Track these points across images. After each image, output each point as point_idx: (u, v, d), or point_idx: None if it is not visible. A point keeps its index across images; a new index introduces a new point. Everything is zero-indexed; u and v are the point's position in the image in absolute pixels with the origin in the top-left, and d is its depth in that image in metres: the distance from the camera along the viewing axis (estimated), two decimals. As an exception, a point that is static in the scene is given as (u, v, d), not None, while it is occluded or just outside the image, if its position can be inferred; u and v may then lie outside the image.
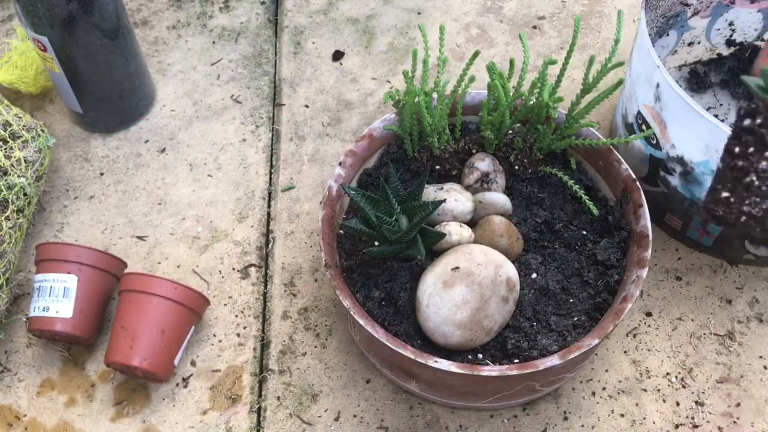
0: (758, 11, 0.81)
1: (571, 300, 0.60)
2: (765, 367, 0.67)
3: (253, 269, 0.74)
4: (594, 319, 0.59)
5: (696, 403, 0.65)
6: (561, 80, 0.57)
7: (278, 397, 0.66)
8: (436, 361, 0.54)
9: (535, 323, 0.59)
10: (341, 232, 0.63)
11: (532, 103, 0.60)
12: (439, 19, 0.92)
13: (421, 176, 0.62)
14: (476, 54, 0.57)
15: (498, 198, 0.62)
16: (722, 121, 0.72)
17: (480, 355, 0.58)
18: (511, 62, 0.58)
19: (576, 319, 0.58)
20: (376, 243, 0.60)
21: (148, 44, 0.90)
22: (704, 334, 0.69)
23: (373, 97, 0.86)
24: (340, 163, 0.64)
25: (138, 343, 0.63)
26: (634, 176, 0.63)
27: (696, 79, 0.83)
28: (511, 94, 0.60)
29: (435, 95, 0.60)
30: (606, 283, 0.60)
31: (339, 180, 0.63)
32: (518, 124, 0.64)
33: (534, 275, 0.61)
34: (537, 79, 0.58)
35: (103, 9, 0.72)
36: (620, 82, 0.58)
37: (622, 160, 0.63)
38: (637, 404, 0.65)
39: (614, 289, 0.60)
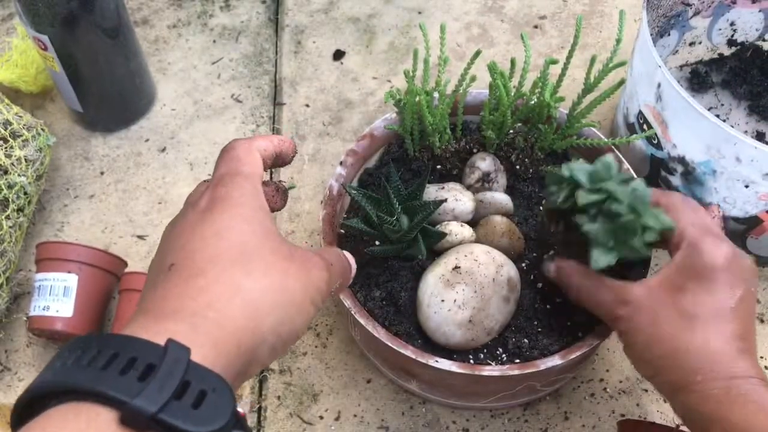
0: (759, 11, 0.81)
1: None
2: (766, 368, 0.67)
3: (253, 269, 0.73)
4: (596, 319, 0.59)
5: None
6: (562, 80, 0.57)
7: (278, 397, 0.66)
8: (437, 361, 0.54)
9: (536, 323, 0.58)
10: (342, 231, 0.63)
11: (533, 102, 0.60)
12: (440, 19, 0.92)
13: (422, 176, 0.62)
14: (477, 53, 0.57)
15: (499, 197, 0.62)
16: (724, 121, 0.72)
17: (481, 355, 0.58)
18: (513, 62, 0.58)
19: (577, 319, 0.58)
20: (377, 242, 0.60)
21: (149, 43, 0.90)
22: (705, 334, 0.69)
23: (374, 96, 0.86)
24: (341, 163, 0.64)
25: (138, 342, 0.63)
26: (635, 176, 0.62)
27: (697, 79, 0.83)
28: (512, 94, 0.60)
29: (436, 94, 0.60)
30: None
31: (340, 179, 0.63)
32: (519, 124, 0.64)
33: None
34: (539, 78, 0.58)
35: (103, 8, 0.72)
36: (622, 82, 0.58)
37: (624, 161, 0.63)
38: (638, 404, 0.65)
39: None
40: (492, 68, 0.59)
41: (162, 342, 0.31)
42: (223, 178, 0.41)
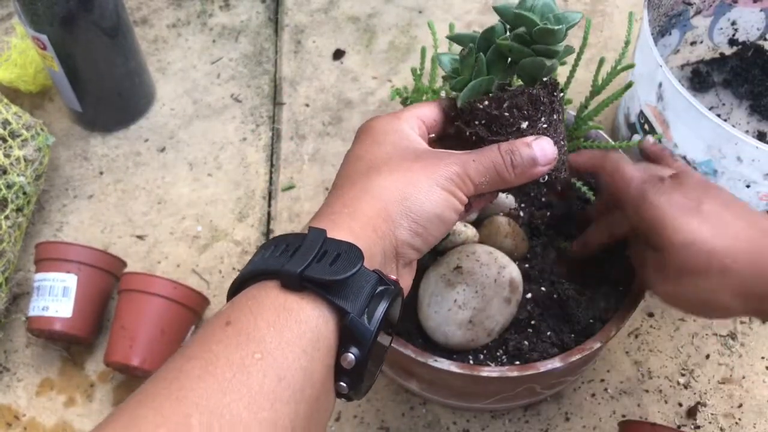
0: (761, 10, 0.81)
1: (574, 302, 0.59)
2: (767, 368, 0.67)
3: (253, 269, 0.73)
4: (597, 321, 0.59)
5: (698, 403, 0.65)
6: (570, 82, 0.56)
7: None
8: (436, 360, 0.54)
9: (537, 325, 0.58)
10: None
11: None
12: (441, 18, 0.91)
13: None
14: None
15: (503, 198, 0.62)
16: (725, 120, 0.72)
17: (481, 356, 0.58)
18: None
19: (579, 322, 0.58)
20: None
21: (148, 43, 0.90)
22: (706, 334, 0.69)
23: (374, 96, 0.85)
24: (343, 162, 0.64)
25: (137, 342, 0.63)
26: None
27: (698, 79, 0.82)
28: None
29: (443, 93, 0.60)
30: (610, 285, 0.60)
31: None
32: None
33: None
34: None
35: (102, 7, 0.72)
36: (630, 85, 0.57)
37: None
38: (638, 405, 0.65)
39: (618, 291, 0.59)
40: None
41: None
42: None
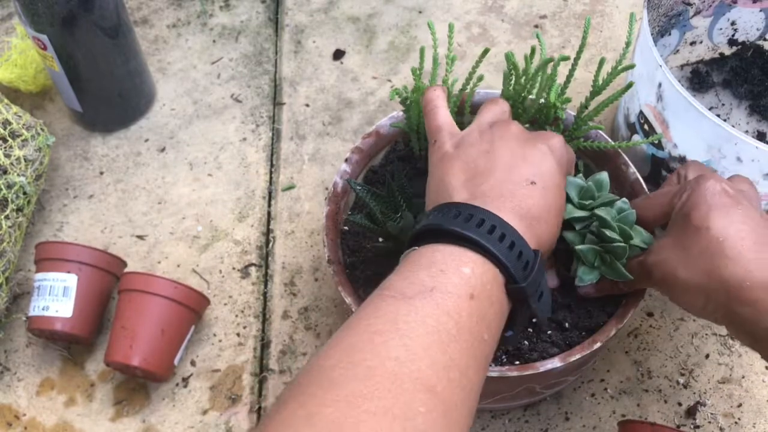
0: (760, 11, 0.81)
1: (574, 303, 0.59)
2: (766, 368, 0.67)
3: (253, 269, 0.73)
4: (596, 321, 0.59)
5: (697, 403, 0.65)
6: (570, 81, 0.56)
7: (278, 397, 0.66)
8: (436, 361, 0.54)
9: (536, 325, 0.58)
10: (345, 228, 0.63)
11: (540, 102, 0.60)
12: (441, 18, 0.91)
13: (427, 174, 0.62)
14: (486, 51, 0.56)
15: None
16: (724, 120, 0.72)
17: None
18: (532, 49, 0.57)
19: (578, 322, 0.58)
20: (381, 239, 0.60)
21: (149, 43, 0.90)
22: (706, 334, 0.69)
23: (374, 96, 0.85)
24: (346, 160, 0.64)
25: (138, 342, 0.63)
26: (642, 180, 0.62)
27: (698, 79, 0.83)
28: (527, 90, 0.58)
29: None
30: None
31: (344, 176, 0.63)
32: (527, 125, 0.64)
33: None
34: (549, 76, 0.57)
35: (103, 7, 0.72)
36: (630, 85, 0.57)
37: (630, 164, 0.63)
38: (638, 404, 0.65)
39: (618, 290, 0.59)
40: (509, 57, 0.57)
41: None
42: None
